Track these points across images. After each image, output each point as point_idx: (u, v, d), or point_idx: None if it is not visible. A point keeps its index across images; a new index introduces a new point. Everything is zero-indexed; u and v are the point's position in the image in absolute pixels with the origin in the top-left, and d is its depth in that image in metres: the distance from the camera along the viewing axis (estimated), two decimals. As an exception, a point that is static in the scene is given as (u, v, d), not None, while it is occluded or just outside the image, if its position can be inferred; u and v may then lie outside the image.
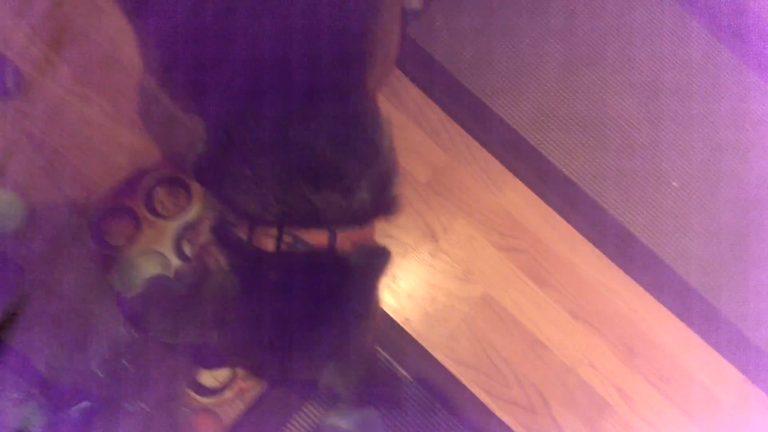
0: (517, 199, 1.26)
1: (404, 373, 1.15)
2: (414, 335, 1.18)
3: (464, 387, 1.17)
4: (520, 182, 1.27)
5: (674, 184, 1.28)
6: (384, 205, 0.73)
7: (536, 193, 1.27)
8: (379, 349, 1.15)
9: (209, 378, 1.09)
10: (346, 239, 0.69)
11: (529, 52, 1.32)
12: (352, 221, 0.70)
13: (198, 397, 1.06)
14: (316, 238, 0.67)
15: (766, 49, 1.34)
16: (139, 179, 1.07)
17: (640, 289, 1.24)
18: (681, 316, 1.21)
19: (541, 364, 1.20)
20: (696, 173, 1.28)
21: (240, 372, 1.07)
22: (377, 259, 0.75)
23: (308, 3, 0.59)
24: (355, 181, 0.67)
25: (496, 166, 1.27)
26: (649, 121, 1.32)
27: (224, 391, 1.07)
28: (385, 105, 1.23)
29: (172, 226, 1.03)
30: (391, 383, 1.01)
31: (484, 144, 1.27)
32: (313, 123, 0.64)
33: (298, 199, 0.64)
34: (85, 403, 0.93)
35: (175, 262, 1.03)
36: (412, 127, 1.27)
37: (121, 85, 1.13)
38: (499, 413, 1.18)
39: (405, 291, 1.20)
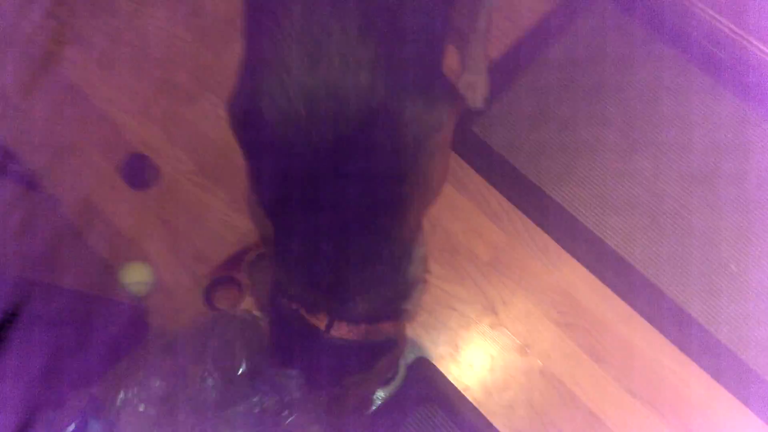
0: (575, 278, 1.36)
1: (450, 422, 1.25)
2: (474, 402, 1.28)
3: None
4: (578, 263, 1.37)
5: (732, 267, 1.32)
6: (389, 313, 0.88)
7: (593, 273, 1.36)
8: (441, 412, 1.26)
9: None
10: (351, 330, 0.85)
11: (586, 139, 1.44)
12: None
13: None
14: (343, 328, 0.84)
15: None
16: (244, 254, 1.30)
17: (700, 370, 1.26)
18: (742, 399, 1.22)
19: (598, 439, 1.25)
20: (755, 258, 1.31)
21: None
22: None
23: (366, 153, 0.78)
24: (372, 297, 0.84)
25: (553, 247, 1.38)
26: (707, 207, 1.37)
27: None
28: (449, 190, 1.40)
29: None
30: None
31: (541, 226, 1.39)
32: (357, 255, 0.82)
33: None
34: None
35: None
36: (474, 210, 1.42)
37: (234, 179, 1.39)
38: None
39: (466, 360, 1.31)
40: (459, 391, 1.28)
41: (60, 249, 1.28)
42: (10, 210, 1.18)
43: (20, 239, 1.12)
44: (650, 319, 1.31)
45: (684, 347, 1.28)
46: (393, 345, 0.92)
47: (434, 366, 1.30)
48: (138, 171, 1.46)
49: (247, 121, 0.82)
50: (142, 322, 1.28)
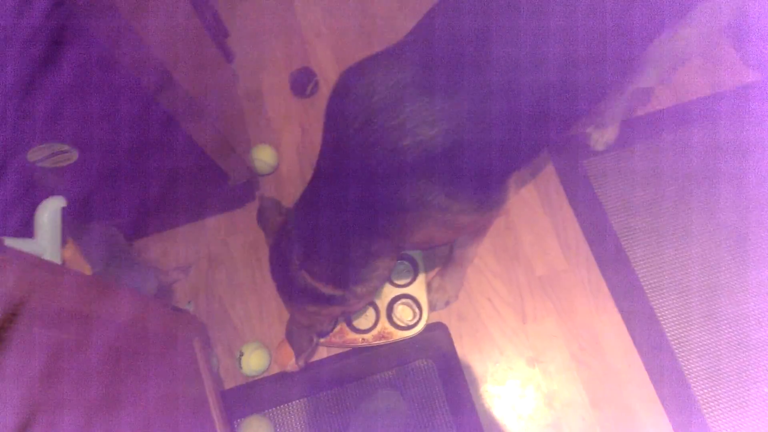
0: (610, 329, 1.42)
1: (442, 390, 1.38)
2: (468, 380, 1.40)
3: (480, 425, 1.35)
4: (620, 317, 1.43)
5: (766, 389, 1.31)
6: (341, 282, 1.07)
7: (630, 333, 1.41)
8: (436, 372, 1.41)
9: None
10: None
11: (679, 222, 1.49)
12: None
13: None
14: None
15: None
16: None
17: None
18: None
19: (559, 468, 1.31)
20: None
21: (336, 329, 1.43)
22: None
23: None
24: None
25: (604, 293, 1.46)
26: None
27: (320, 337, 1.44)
28: (536, 204, 1.53)
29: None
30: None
31: (602, 271, 1.47)
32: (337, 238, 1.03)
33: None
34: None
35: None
36: (551, 231, 1.53)
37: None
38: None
39: (479, 345, 1.44)
40: (460, 364, 1.42)
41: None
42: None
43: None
44: (659, 392, 1.34)
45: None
46: (336, 302, 1.09)
47: (449, 335, 1.45)
48: (303, 82, 1.76)
49: (341, 92, 0.94)
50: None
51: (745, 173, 1.51)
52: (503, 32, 0.89)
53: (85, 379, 0.86)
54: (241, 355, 1.41)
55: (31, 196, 1.17)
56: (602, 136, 1.58)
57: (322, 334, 1.41)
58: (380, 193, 0.93)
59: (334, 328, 1.43)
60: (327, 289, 1.05)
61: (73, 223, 1.23)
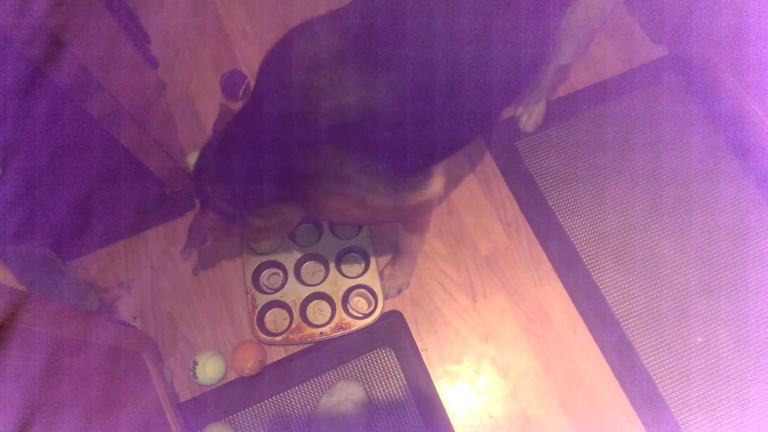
0: (554, 298, 1.49)
1: (402, 375, 1.41)
2: (426, 362, 1.43)
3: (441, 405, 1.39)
4: (562, 286, 1.50)
5: (699, 339, 1.42)
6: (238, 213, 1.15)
7: (572, 300, 1.49)
8: (395, 359, 1.43)
9: (272, 324, 1.46)
10: None
11: (611, 191, 1.58)
12: None
13: (261, 334, 1.42)
14: None
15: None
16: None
17: (632, 410, 1.36)
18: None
19: (520, 436, 1.37)
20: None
21: (293, 326, 1.43)
22: None
23: None
24: None
25: (546, 266, 1.53)
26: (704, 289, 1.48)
27: (276, 336, 1.43)
28: (476, 187, 1.58)
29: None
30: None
31: (543, 245, 1.54)
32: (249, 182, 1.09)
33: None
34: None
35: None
36: (491, 212, 1.59)
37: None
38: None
39: (433, 328, 1.47)
40: (417, 348, 1.45)
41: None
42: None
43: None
44: (606, 353, 1.42)
45: (624, 384, 1.38)
46: (231, 222, 1.16)
47: (405, 321, 1.47)
48: (234, 85, 1.74)
49: (283, 44, 0.98)
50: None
51: (660, 142, 1.62)
52: (432, 9, 0.93)
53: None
54: (195, 364, 1.38)
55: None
56: (530, 118, 1.66)
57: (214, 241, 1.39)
58: (296, 151, 0.95)
59: (225, 240, 1.34)
60: (228, 209, 1.12)
61: (2, 246, 1.17)
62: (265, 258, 1.49)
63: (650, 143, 1.63)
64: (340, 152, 0.93)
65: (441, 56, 0.93)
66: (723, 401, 1.36)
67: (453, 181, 1.62)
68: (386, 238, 1.54)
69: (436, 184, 1.10)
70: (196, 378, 1.38)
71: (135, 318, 1.47)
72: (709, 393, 1.37)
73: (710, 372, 1.38)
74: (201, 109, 1.74)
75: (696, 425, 1.34)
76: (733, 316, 1.43)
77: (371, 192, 0.99)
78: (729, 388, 1.36)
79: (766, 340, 1.41)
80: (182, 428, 1.30)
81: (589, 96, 1.71)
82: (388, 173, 0.98)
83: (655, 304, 1.46)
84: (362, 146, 0.93)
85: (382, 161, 0.96)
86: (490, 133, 1.66)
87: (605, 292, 1.49)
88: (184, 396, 1.42)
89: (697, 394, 1.36)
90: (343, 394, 1.35)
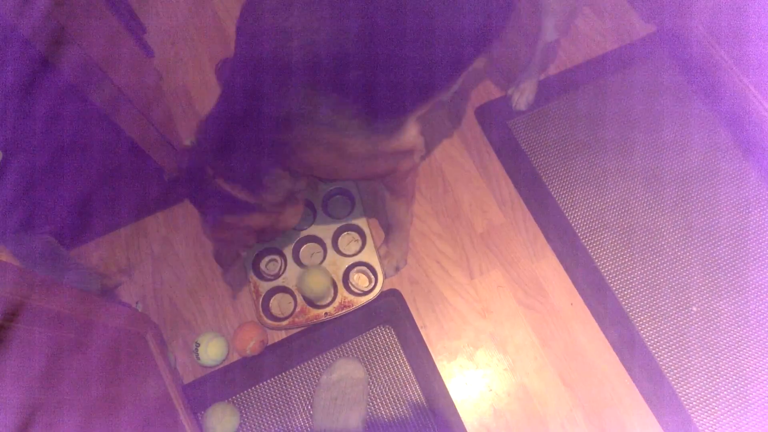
0: (550, 273, 1.51)
1: (402, 352, 1.43)
2: (426, 339, 1.45)
3: (441, 380, 1.41)
4: (558, 261, 1.52)
5: (694, 309, 1.43)
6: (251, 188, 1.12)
7: (568, 274, 1.50)
8: (395, 337, 1.45)
9: (276, 309, 1.48)
10: None
11: (606, 164, 1.60)
12: None
13: (267, 320, 1.44)
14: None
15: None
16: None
17: (630, 381, 1.38)
18: (659, 418, 1.33)
19: (519, 408, 1.39)
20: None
21: (297, 310, 1.45)
22: None
23: None
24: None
25: (541, 241, 1.54)
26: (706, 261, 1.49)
27: (282, 321, 1.45)
28: (471, 167, 1.60)
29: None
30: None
31: (538, 221, 1.56)
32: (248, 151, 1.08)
33: None
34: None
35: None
36: (486, 190, 1.60)
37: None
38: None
39: (432, 305, 1.49)
40: (416, 326, 1.46)
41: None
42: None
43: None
44: (602, 326, 1.44)
45: (624, 359, 1.40)
46: (252, 209, 1.14)
47: (403, 299, 1.49)
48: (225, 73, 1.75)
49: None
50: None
51: (660, 115, 1.64)
52: None
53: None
54: (198, 346, 1.40)
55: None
56: (522, 97, 1.68)
57: (246, 247, 1.39)
58: (271, 97, 0.95)
59: (254, 243, 1.35)
60: (241, 195, 1.08)
61: (5, 234, 1.19)
62: (263, 246, 1.51)
63: (643, 118, 1.64)
64: (313, 93, 0.93)
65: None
66: (721, 371, 1.37)
67: (447, 161, 1.64)
68: (380, 213, 1.56)
69: (410, 131, 1.10)
70: (199, 359, 1.40)
71: (137, 303, 1.49)
72: (708, 363, 1.38)
73: (708, 342, 1.40)
74: (197, 99, 1.76)
75: (694, 395, 1.35)
76: (731, 288, 1.44)
77: (347, 136, 0.99)
78: (727, 358, 1.38)
79: (764, 310, 1.42)
80: (187, 409, 1.32)
81: (581, 73, 1.72)
82: (362, 116, 0.98)
83: (652, 276, 1.48)
84: (335, 87, 0.93)
85: (356, 103, 0.96)
86: (484, 113, 1.67)
87: (601, 265, 1.50)
88: (188, 378, 1.44)
89: (695, 364, 1.38)
90: (343, 372, 1.37)
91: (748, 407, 1.33)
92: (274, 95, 0.95)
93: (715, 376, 1.36)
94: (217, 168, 1.09)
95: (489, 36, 1.13)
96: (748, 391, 1.35)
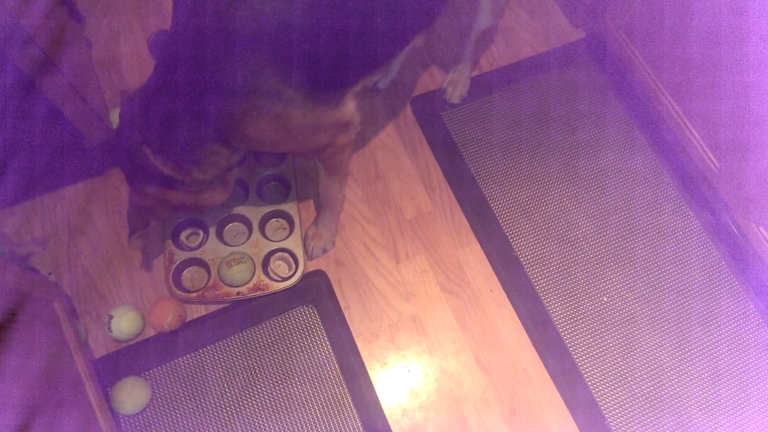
0: (473, 260, 1.55)
1: (324, 332, 1.43)
2: (348, 320, 1.46)
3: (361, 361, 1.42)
4: (481, 249, 1.57)
5: (605, 299, 1.51)
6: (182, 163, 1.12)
7: (490, 263, 1.55)
8: (317, 317, 1.45)
9: (188, 282, 1.45)
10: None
11: (528, 161, 1.66)
12: None
13: (175, 290, 1.41)
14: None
15: None
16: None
17: (540, 362, 1.44)
18: (565, 399, 1.39)
19: (434, 389, 1.41)
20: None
21: (209, 284, 1.42)
22: None
23: None
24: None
25: (466, 229, 1.59)
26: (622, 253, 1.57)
27: (192, 293, 1.42)
28: (403, 154, 1.63)
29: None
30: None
31: (463, 210, 1.60)
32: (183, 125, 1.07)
33: None
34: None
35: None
36: (416, 177, 1.64)
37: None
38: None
39: (355, 286, 1.50)
40: (339, 306, 1.47)
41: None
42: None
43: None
44: (521, 317, 1.49)
45: (539, 349, 1.45)
46: (175, 186, 1.14)
47: (328, 280, 1.50)
48: (160, 44, 1.72)
49: None
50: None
51: (575, 115, 1.72)
52: None
53: None
54: (111, 318, 1.35)
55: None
56: (456, 90, 1.72)
57: (159, 220, 1.35)
58: (213, 68, 0.94)
59: (170, 215, 1.33)
60: (166, 169, 1.06)
61: None
62: (186, 216, 1.48)
63: (566, 117, 1.72)
64: (258, 64, 0.93)
65: None
66: (615, 346, 1.45)
67: (381, 148, 1.66)
68: (315, 196, 1.56)
69: (350, 105, 1.12)
70: (111, 332, 1.35)
71: (50, 273, 1.43)
72: (611, 343, 1.45)
73: (613, 326, 1.47)
74: (127, 70, 1.71)
75: (597, 373, 1.42)
76: (644, 285, 1.53)
77: (292, 107, 0.99)
78: (623, 337, 1.46)
79: (677, 305, 1.51)
80: (94, 382, 1.27)
81: (510, 71, 1.79)
82: (306, 87, 0.99)
83: (568, 267, 1.54)
84: (278, 58, 0.93)
85: (299, 75, 0.97)
86: (419, 105, 1.71)
87: (521, 254, 1.56)
88: (99, 353, 1.39)
89: (599, 344, 1.45)
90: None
91: (638, 381, 1.41)
92: (217, 66, 0.93)
93: (613, 352, 1.44)
94: (148, 139, 1.07)
95: (430, 13, 1.17)
96: (663, 395, 1.43)
